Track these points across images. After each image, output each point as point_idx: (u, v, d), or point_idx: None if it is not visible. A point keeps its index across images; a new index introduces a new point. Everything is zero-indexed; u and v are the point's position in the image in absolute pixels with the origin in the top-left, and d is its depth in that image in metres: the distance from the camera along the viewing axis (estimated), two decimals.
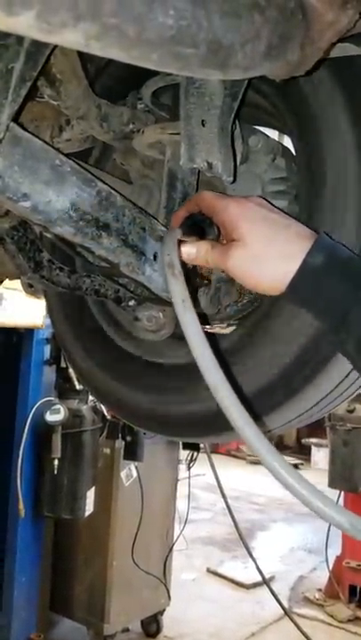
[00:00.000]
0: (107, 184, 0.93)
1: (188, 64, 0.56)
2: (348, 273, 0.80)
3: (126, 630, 4.34)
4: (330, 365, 1.02)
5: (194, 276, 1.12)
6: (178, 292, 0.80)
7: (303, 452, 10.72)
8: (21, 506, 3.49)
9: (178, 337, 1.27)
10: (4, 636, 3.74)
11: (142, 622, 4.41)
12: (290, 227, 0.87)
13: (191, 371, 1.21)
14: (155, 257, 1.01)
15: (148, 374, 1.30)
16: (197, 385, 1.18)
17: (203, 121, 0.94)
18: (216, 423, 1.13)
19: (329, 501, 0.66)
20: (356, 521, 0.65)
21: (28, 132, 1.13)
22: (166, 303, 1.17)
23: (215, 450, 9.55)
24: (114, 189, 0.94)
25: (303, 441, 10.61)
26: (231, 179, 1.01)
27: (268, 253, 0.84)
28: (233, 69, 0.59)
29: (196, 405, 1.16)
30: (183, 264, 0.88)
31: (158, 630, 4.40)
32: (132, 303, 1.27)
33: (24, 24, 0.48)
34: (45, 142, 0.86)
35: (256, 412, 1.07)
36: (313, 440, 10.05)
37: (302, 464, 10.40)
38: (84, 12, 0.49)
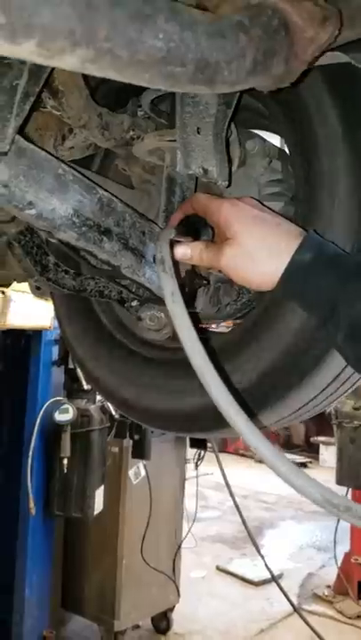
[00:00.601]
0: (107, 191, 0.98)
1: (177, 81, 0.61)
2: (334, 269, 0.84)
3: (137, 627, 4.40)
4: (325, 362, 1.06)
5: (193, 277, 1.17)
6: (167, 286, 0.84)
7: (312, 451, 10.73)
8: (32, 504, 3.54)
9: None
10: (17, 633, 3.79)
11: (152, 619, 4.46)
12: (280, 225, 0.92)
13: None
14: (154, 259, 1.06)
15: (151, 371, 1.35)
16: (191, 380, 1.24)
17: (198, 129, 0.99)
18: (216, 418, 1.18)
19: (301, 473, 0.71)
20: (327, 493, 0.69)
21: (33, 141, 1.19)
22: None
23: (223, 449, 9.58)
24: (114, 196, 0.98)
25: (312, 439, 10.62)
26: (226, 183, 1.06)
27: (259, 251, 0.88)
28: (220, 85, 0.64)
29: (195, 400, 1.21)
30: (175, 264, 0.92)
31: (168, 627, 4.45)
32: (134, 304, 1.31)
33: (26, 51, 0.53)
34: (48, 152, 0.91)
35: (251, 408, 1.11)
36: (321, 438, 10.06)
37: (311, 462, 10.41)
38: (80, 39, 0.54)
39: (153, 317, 1.29)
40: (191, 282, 1.17)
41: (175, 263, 0.91)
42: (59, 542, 4.08)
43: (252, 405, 1.10)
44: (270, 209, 1.00)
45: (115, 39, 0.55)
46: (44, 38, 0.52)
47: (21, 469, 3.64)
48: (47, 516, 3.75)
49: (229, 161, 1.22)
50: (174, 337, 1.33)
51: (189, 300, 1.21)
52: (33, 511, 3.55)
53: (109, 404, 3.66)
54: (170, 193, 1.17)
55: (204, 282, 1.19)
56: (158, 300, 1.21)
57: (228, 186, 1.08)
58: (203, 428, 1.27)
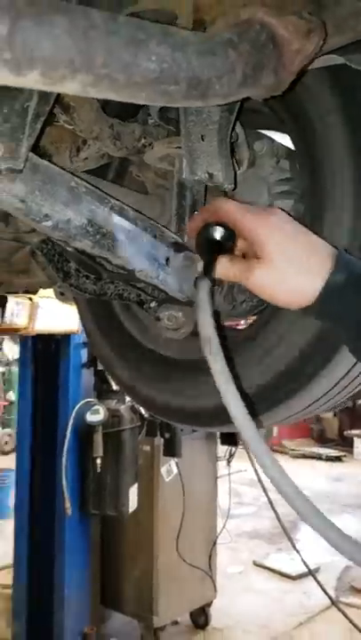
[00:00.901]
0: (118, 200, 1.03)
1: (172, 98, 0.66)
2: None
3: (176, 623, 4.46)
4: (332, 363, 1.09)
5: None
6: (217, 367, 0.79)
7: (346, 444, 10.67)
8: (68, 504, 3.62)
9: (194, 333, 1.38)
10: (59, 631, 3.88)
11: (191, 614, 4.51)
12: (311, 242, 0.90)
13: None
14: (167, 261, 1.11)
15: (171, 370, 1.40)
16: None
17: (202, 136, 1.03)
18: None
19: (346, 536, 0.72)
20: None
21: (50, 154, 1.25)
22: (183, 303, 1.26)
23: None
24: (124, 204, 1.04)
25: (345, 433, 10.56)
26: (232, 186, 1.10)
27: (290, 270, 0.86)
28: (213, 98, 0.68)
29: (207, 397, 1.26)
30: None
31: (207, 622, 4.50)
32: (153, 305, 1.36)
33: (31, 81, 0.58)
34: (61, 167, 0.96)
35: (257, 409, 1.15)
36: (355, 432, 10.00)
37: (345, 456, 10.35)
38: (80, 66, 0.59)
39: (171, 317, 1.34)
40: None
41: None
42: (96, 541, 4.17)
43: (264, 402, 1.14)
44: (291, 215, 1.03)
45: (111, 64, 0.60)
46: (46, 68, 0.57)
47: (56, 471, 3.73)
48: (83, 515, 3.83)
49: (238, 163, 1.27)
50: (192, 335, 1.38)
51: None
52: (69, 511, 3.63)
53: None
54: (181, 197, 1.21)
55: (218, 281, 1.23)
56: (175, 301, 1.26)
57: (235, 188, 1.12)
58: (223, 422, 1.32)
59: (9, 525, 4.24)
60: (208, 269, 0.91)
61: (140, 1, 0.92)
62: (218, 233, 0.93)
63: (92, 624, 4.03)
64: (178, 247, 1.15)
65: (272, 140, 1.35)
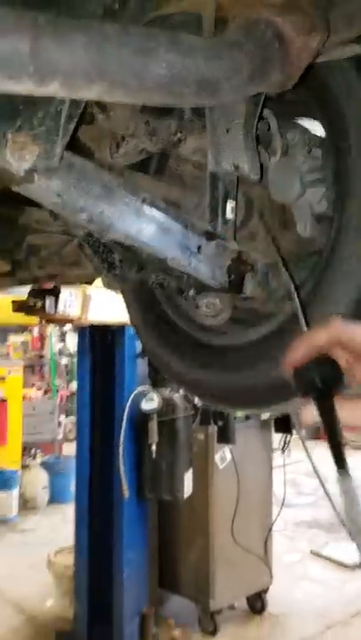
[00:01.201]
0: (152, 192, 1.10)
1: (183, 99, 0.72)
2: None
3: (232, 608, 4.53)
4: None
5: (239, 264, 1.27)
6: None
7: None
8: (125, 487, 3.75)
9: (234, 320, 1.44)
10: (119, 611, 4.03)
11: (248, 599, 4.58)
12: None
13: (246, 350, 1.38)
14: (199, 249, 1.17)
15: (210, 354, 1.47)
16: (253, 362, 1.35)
17: (227, 129, 1.08)
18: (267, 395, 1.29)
19: None
20: None
21: (91, 151, 1.33)
22: (220, 290, 1.32)
23: (315, 436, 9.51)
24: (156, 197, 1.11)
25: None
26: (258, 177, 1.14)
27: None
28: (223, 96, 0.74)
29: (250, 380, 1.32)
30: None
31: (263, 608, 4.55)
32: (192, 292, 1.43)
33: (52, 90, 0.66)
34: (102, 163, 1.04)
35: None
36: None
37: None
38: (95, 76, 0.66)
39: (209, 304, 1.40)
40: (237, 268, 1.27)
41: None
42: (154, 524, 4.28)
43: None
44: None
45: (124, 73, 0.67)
46: (65, 80, 0.65)
47: (113, 458, 3.87)
48: (140, 500, 3.96)
49: (271, 152, 1.31)
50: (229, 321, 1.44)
51: (238, 286, 1.31)
52: (126, 493, 3.76)
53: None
54: (213, 188, 1.27)
55: (249, 267, 1.29)
56: (212, 288, 1.32)
57: (261, 179, 1.16)
58: (259, 403, 1.38)
59: (72, 509, 4.41)
60: (337, 442, 0.74)
61: (164, 6, 0.98)
62: (328, 370, 0.75)
63: (151, 605, 4.16)
64: (210, 236, 1.21)
65: (304, 130, 1.39)
